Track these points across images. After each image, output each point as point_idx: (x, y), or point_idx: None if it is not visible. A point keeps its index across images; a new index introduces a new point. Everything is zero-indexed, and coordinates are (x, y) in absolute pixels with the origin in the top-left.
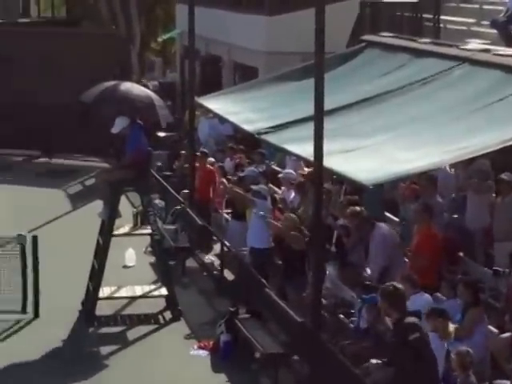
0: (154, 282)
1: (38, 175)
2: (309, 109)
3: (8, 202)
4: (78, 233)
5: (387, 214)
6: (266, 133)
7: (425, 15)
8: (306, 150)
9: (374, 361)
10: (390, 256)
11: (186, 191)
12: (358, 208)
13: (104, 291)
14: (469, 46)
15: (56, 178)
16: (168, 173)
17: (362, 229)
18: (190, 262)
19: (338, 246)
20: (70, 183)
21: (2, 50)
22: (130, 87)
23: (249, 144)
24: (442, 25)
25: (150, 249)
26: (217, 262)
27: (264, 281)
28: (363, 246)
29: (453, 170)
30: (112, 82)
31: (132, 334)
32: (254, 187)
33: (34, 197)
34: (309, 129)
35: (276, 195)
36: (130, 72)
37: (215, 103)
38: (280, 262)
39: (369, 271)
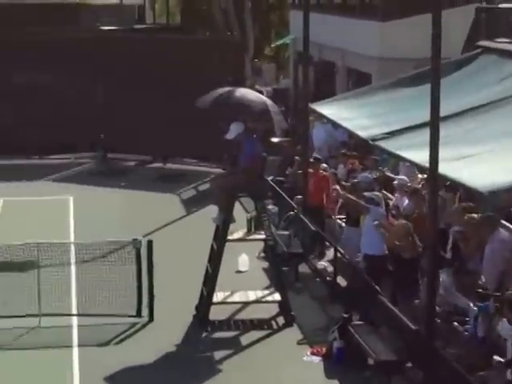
0: (267, 288)
1: (152, 180)
2: (423, 115)
3: (123, 206)
4: (192, 237)
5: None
6: (380, 139)
7: None
8: (421, 157)
9: (497, 357)
10: (509, 262)
11: (300, 197)
12: (475, 215)
13: (218, 296)
14: None
15: (170, 183)
16: (281, 178)
17: (482, 235)
18: (303, 268)
19: (453, 253)
20: (183, 188)
21: (119, 56)
22: (245, 93)
23: (361, 150)
24: None
25: (262, 254)
26: (330, 268)
27: (377, 288)
28: (480, 253)
29: None
30: (227, 88)
31: (245, 339)
32: (367, 194)
33: (148, 201)
34: (423, 135)
35: (389, 201)
36: (243, 78)
37: (329, 109)
38: (392, 269)
39: (483, 278)
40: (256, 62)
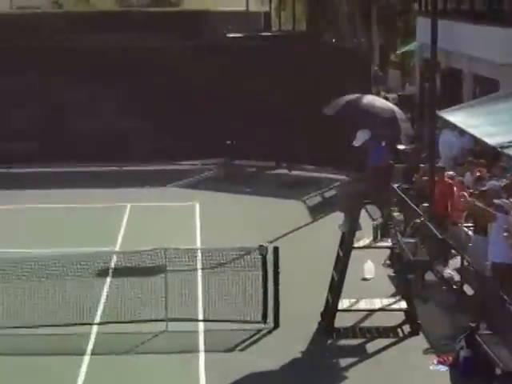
0: (393, 296)
1: (277, 186)
2: None
3: (248, 212)
4: (318, 244)
5: None
6: (508, 146)
7: None
8: None
9: None
10: None
11: (426, 204)
12: None
13: (343, 303)
14: None
15: (295, 190)
16: (407, 186)
17: None
18: (429, 276)
19: None
20: (309, 195)
21: (245, 62)
22: (372, 100)
23: (488, 157)
24: None
25: (388, 262)
26: (456, 277)
27: (505, 297)
28: None
29: None
30: (355, 95)
31: (371, 347)
32: (496, 201)
33: (274, 208)
34: None
35: None
36: (369, 85)
37: (456, 116)
38: None
39: None
40: (376, 70)
